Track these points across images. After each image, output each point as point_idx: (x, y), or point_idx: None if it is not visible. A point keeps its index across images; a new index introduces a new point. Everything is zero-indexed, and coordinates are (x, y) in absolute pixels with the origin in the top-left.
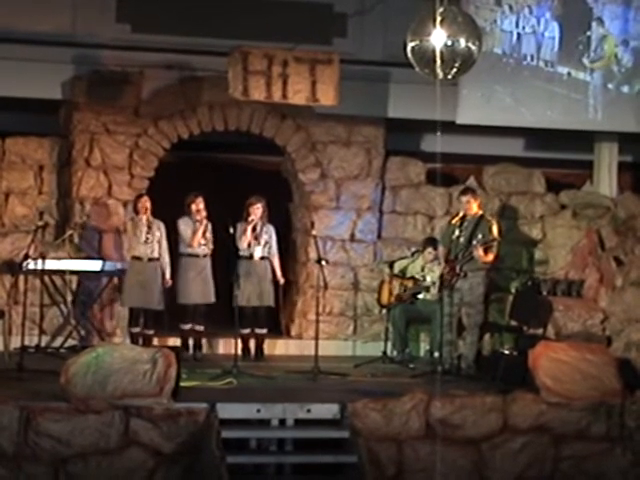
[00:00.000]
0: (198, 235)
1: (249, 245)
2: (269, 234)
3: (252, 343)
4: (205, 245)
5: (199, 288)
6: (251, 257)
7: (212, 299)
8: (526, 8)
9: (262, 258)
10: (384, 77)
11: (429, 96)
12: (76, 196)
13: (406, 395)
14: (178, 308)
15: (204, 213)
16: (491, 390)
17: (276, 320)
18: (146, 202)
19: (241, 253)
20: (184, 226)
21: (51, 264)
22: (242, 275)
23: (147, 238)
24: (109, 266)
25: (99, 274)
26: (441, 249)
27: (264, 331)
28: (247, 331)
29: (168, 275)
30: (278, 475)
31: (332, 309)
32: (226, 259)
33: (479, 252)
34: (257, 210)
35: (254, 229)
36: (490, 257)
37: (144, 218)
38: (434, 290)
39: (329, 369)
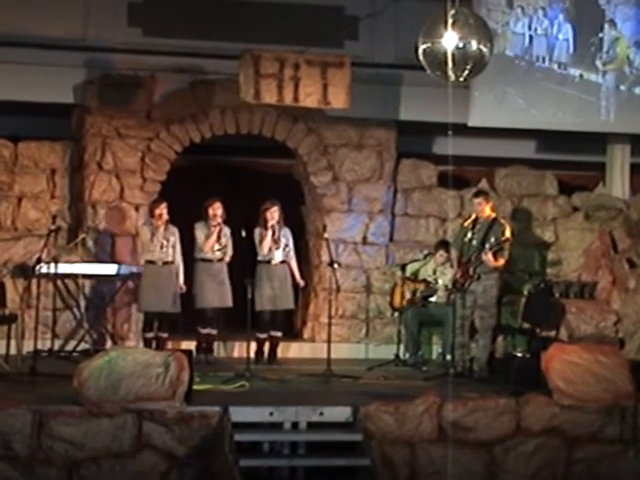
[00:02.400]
0: (211, 240)
1: (270, 250)
2: (287, 237)
3: (266, 346)
4: (220, 250)
5: (215, 292)
6: (270, 261)
7: (229, 303)
8: (539, 10)
9: (282, 262)
10: (395, 80)
11: (441, 98)
12: (88, 200)
13: (419, 398)
14: (195, 313)
15: (220, 219)
16: (504, 393)
17: (291, 323)
18: (164, 208)
19: (260, 258)
20: (199, 231)
21: (64, 268)
22: (262, 279)
23: (162, 244)
24: (124, 270)
25: (112, 278)
26: (453, 252)
27: (279, 334)
28: (264, 335)
29: (182, 280)
30: (291, 478)
31: (344, 312)
32: (250, 263)
33: (489, 257)
34: (274, 214)
35: (273, 233)
36: (501, 261)
37: (161, 225)
38: (446, 293)
39: (342, 372)
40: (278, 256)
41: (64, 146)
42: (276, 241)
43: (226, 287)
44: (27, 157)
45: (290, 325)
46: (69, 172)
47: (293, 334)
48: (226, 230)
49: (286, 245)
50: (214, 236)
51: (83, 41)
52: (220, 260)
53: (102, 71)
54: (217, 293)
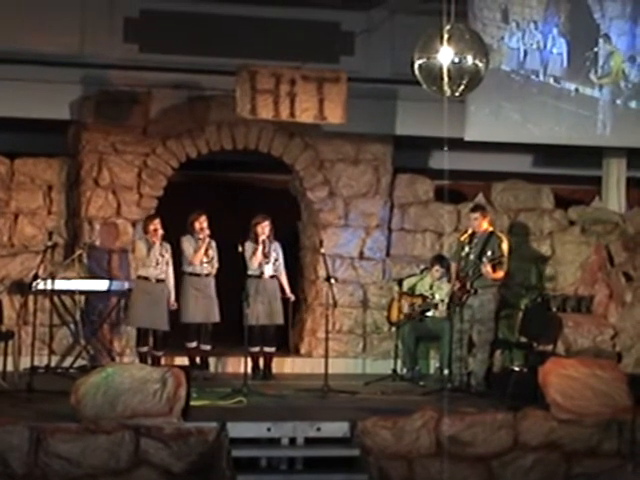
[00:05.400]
0: (200, 253)
1: (259, 264)
2: (277, 252)
3: (261, 361)
4: (208, 263)
5: (202, 307)
6: (261, 276)
7: (216, 318)
8: (533, 25)
9: (272, 277)
10: (391, 95)
11: (437, 113)
12: (85, 216)
13: (416, 413)
14: (183, 327)
15: (207, 231)
16: (501, 407)
17: (285, 338)
18: (157, 224)
19: (251, 272)
20: (187, 244)
21: (60, 284)
22: (252, 294)
23: (158, 260)
24: (116, 285)
25: (108, 294)
26: (453, 266)
27: (273, 349)
28: (256, 349)
29: (173, 297)
30: None
31: (341, 327)
32: (241, 278)
33: (487, 269)
34: (265, 228)
35: (264, 248)
36: (500, 274)
37: (157, 241)
38: (443, 307)
39: (339, 387)
40: (268, 270)
41: (60, 162)
42: (266, 255)
43: (213, 302)
44: (23, 173)
45: (284, 340)
46: (65, 188)
47: (286, 349)
48: (213, 243)
49: (276, 259)
50: (203, 249)
51: (79, 57)
52: (207, 275)
53: (98, 87)
54: (204, 308)
